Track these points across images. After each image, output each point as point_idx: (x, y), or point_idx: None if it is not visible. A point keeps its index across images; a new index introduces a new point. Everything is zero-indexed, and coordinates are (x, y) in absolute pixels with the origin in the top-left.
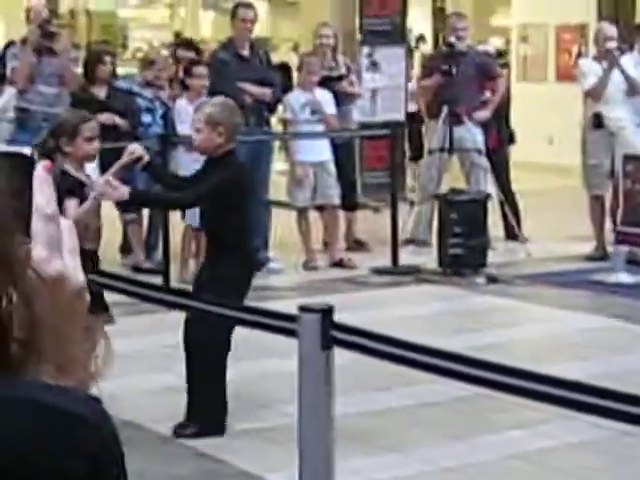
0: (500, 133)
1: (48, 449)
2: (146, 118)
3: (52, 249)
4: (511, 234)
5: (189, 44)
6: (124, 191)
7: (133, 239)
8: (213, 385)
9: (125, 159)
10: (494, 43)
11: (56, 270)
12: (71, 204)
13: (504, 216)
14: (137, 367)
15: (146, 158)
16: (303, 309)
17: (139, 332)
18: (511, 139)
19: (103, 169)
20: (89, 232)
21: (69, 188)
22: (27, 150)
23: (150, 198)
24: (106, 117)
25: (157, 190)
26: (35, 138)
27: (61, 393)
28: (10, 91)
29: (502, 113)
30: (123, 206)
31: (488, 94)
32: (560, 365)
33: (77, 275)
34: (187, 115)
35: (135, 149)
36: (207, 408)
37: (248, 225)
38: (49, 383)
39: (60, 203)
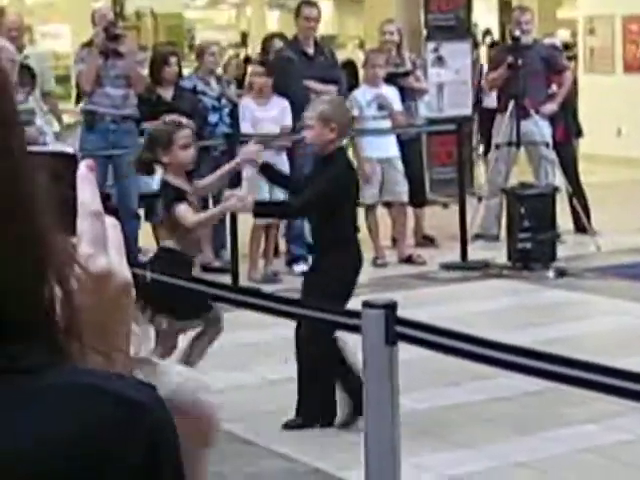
0: (567, 126)
1: (110, 435)
2: (213, 117)
3: (97, 246)
4: (580, 227)
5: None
6: (248, 203)
7: (201, 238)
8: (322, 381)
9: (237, 161)
10: (561, 36)
11: (101, 266)
12: (182, 208)
13: (573, 209)
14: (210, 365)
15: (260, 161)
16: (367, 305)
17: None
18: (579, 132)
19: None
20: (194, 238)
21: (174, 197)
22: (70, 149)
23: (270, 209)
24: (172, 118)
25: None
26: (101, 140)
27: (119, 380)
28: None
29: (569, 106)
30: None
31: (555, 87)
32: (632, 358)
33: (123, 271)
34: (250, 114)
35: (249, 152)
36: (316, 403)
37: (353, 226)
38: (110, 371)
39: (168, 211)
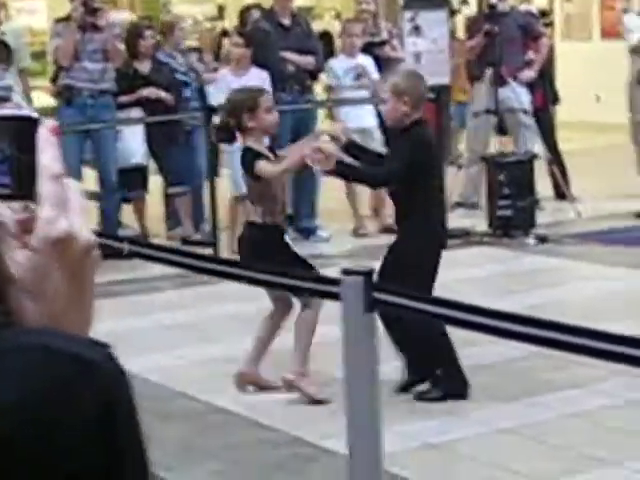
0: (545, 93)
1: (60, 396)
2: (186, 92)
3: (58, 209)
4: (560, 194)
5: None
6: (332, 160)
7: (181, 211)
8: (440, 352)
9: (320, 138)
10: (537, 2)
11: (62, 229)
12: (262, 163)
13: (552, 176)
14: (189, 339)
15: (343, 139)
16: (345, 272)
17: (189, 304)
18: (556, 99)
19: (150, 144)
20: (279, 205)
21: (254, 156)
22: (34, 113)
23: (352, 172)
24: (149, 91)
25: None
26: (79, 115)
27: (71, 339)
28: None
29: (547, 73)
30: (173, 179)
31: (532, 54)
32: (614, 322)
33: (84, 233)
34: (227, 85)
35: (334, 130)
36: (446, 373)
37: (437, 197)
38: (63, 331)
39: (251, 174)
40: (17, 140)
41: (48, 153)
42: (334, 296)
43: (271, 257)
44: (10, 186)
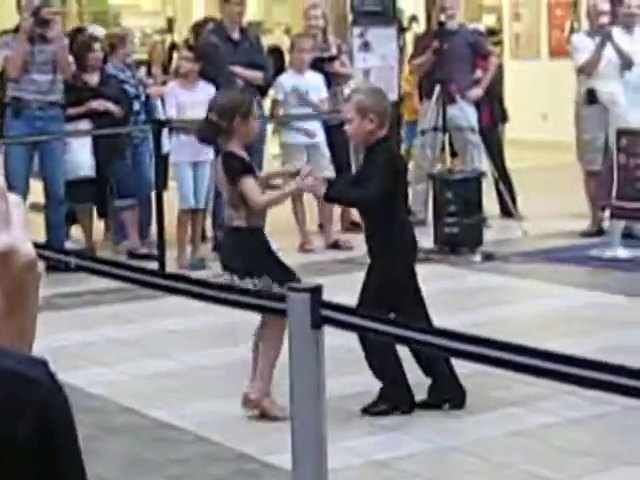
0: (493, 111)
1: (4, 411)
2: (135, 105)
3: (0, 223)
4: (506, 212)
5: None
6: (321, 186)
7: (128, 224)
8: (389, 365)
9: (298, 188)
10: (485, 21)
11: (4, 243)
12: (251, 184)
13: (499, 194)
14: (134, 353)
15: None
16: (292, 289)
17: (135, 318)
18: (504, 117)
19: (97, 156)
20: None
21: (243, 169)
22: None
23: (342, 195)
24: (98, 104)
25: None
26: (27, 127)
27: (10, 356)
28: None
29: (495, 91)
30: (120, 192)
31: (480, 72)
32: (559, 341)
33: (27, 248)
34: (175, 99)
35: (314, 186)
36: (391, 388)
37: (406, 210)
38: (2, 348)
39: (233, 183)
40: None
41: None
42: (281, 312)
43: (256, 261)
44: None
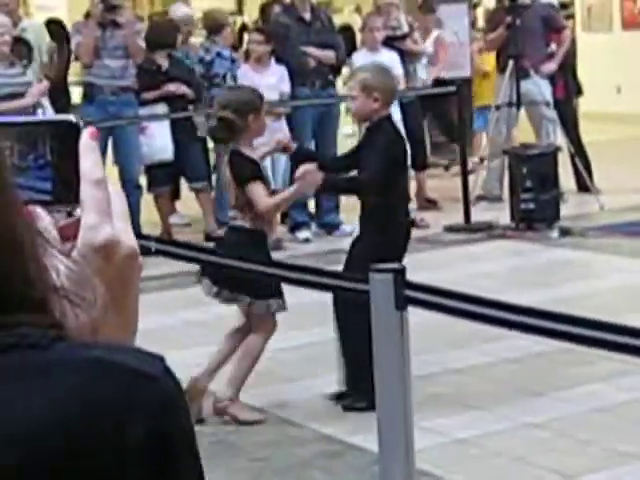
0: (567, 85)
1: (114, 411)
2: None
3: (101, 215)
4: (583, 186)
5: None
6: (319, 178)
7: (205, 207)
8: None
9: (271, 147)
10: None
11: (105, 236)
12: (258, 189)
13: (575, 168)
14: (214, 335)
15: (293, 147)
16: (375, 270)
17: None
18: (579, 91)
19: (176, 140)
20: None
21: (252, 174)
22: (72, 117)
23: (338, 184)
24: (175, 87)
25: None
26: (101, 112)
27: (125, 351)
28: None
29: (568, 65)
30: (195, 175)
31: (554, 46)
32: (639, 315)
33: (128, 239)
34: (249, 81)
35: (281, 139)
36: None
37: (404, 194)
38: (119, 344)
39: (241, 186)
40: (57, 145)
41: (89, 158)
42: (364, 293)
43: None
44: (51, 192)
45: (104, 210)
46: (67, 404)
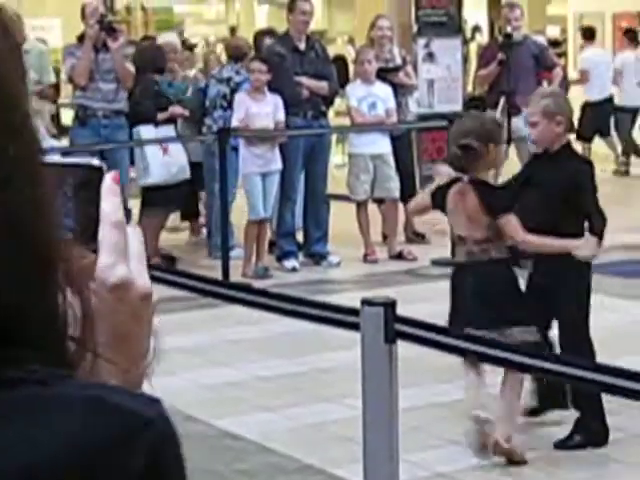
0: None
1: (109, 452)
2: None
3: (117, 255)
4: None
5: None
6: (597, 248)
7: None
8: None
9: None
10: (550, 32)
11: (120, 276)
12: (514, 220)
13: None
14: (199, 362)
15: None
16: (366, 302)
17: (200, 327)
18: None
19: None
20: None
21: (508, 205)
22: (96, 161)
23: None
24: (180, 109)
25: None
26: (94, 135)
27: (125, 393)
28: None
29: None
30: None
31: (545, 84)
32: (624, 356)
33: (143, 281)
34: (246, 109)
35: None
36: (588, 417)
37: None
38: (118, 385)
39: (494, 216)
40: (80, 187)
41: (110, 200)
42: (354, 326)
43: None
44: (73, 230)
45: (120, 251)
46: (65, 443)
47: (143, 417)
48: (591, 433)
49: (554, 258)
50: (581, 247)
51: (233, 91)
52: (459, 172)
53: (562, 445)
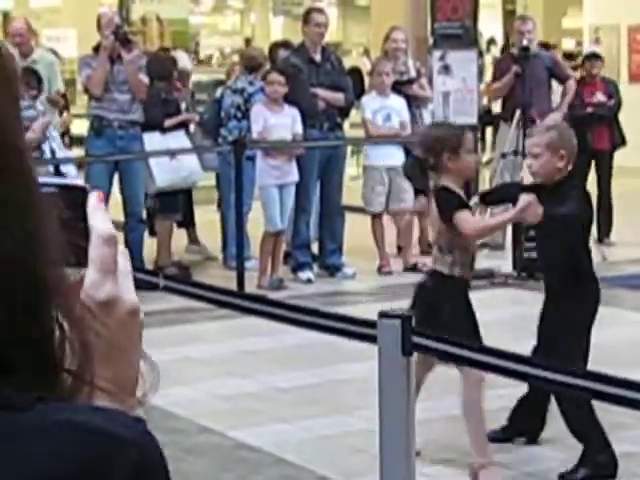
0: (613, 136)
1: (90, 476)
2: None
3: (106, 272)
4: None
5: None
6: (540, 212)
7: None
8: (588, 424)
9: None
10: (565, 45)
11: (107, 292)
12: (466, 213)
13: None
14: (214, 373)
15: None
16: (383, 315)
17: (216, 337)
18: (622, 141)
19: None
20: (469, 258)
21: (458, 204)
22: (80, 181)
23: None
24: (191, 115)
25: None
26: (109, 146)
27: (106, 416)
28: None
29: (615, 116)
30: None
31: (557, 97)
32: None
33: (130, 297)
34: (264, 120)
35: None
36: (592, 448)
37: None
38: (96, 406)
39: (447, 221)
40: (67, 208)
41: (99, 216)
42: (372, 339)
43: (447, 313)
44: (63, 253)
45: (109, 267)
46: (32, 470)
47: (120, 439)
48: (599, 466)
49: None
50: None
51: (247, 101)
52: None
53: (568, 478)
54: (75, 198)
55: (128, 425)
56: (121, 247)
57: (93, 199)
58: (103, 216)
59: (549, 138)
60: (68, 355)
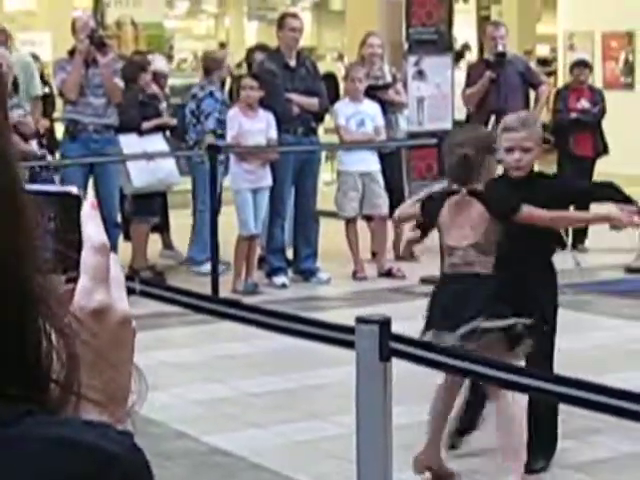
0: (596, 143)
1: None
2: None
3: (98, 280)
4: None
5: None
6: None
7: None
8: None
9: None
10: (540, 51)
11: (98, 301)
12: (531, 208)
13: None
14: (190, 378)
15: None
16: (360, 320)
17: (190, 342)
18: (604, 149)
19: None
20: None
21: (512, 203)
22: (74, 189)
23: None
24: (169, 118)
25: None
26: (83, 149)
27: (93, 430)
28: None
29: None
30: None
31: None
32: (614, 374)
33: (122, 305)
34: (239, 126)
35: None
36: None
37: None
38: (84, 420)
39: (505, 217)
40: (59, 215)
41: (92, 224)
42: (349, 344)
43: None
44: (52, 260)
45: (101, 275)
46: None
47: (106, 453)
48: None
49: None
50: (620, 215)
51: (198, 107)
52: (457, 184)
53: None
54: (69, 205)
55: (115, 440)
56: (113, 255)
57: (87, 206)
58: (96, 224)
59: (537, 132)
60: (56, 366)
